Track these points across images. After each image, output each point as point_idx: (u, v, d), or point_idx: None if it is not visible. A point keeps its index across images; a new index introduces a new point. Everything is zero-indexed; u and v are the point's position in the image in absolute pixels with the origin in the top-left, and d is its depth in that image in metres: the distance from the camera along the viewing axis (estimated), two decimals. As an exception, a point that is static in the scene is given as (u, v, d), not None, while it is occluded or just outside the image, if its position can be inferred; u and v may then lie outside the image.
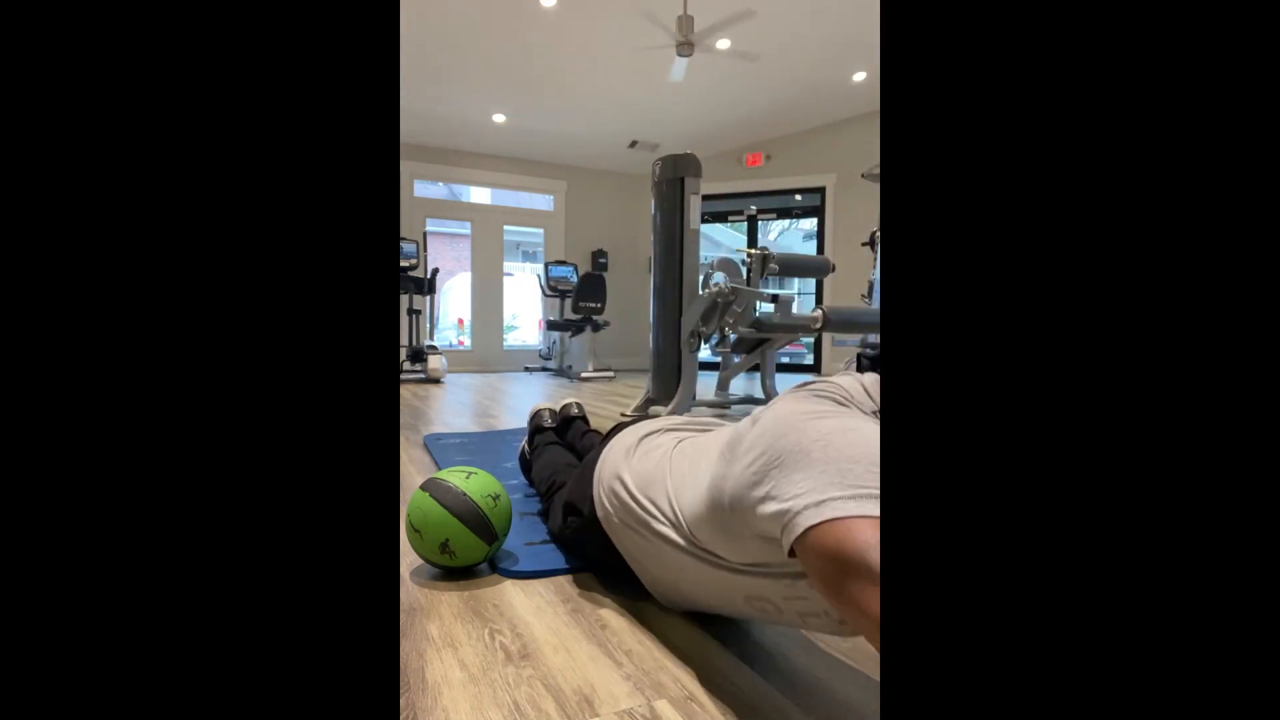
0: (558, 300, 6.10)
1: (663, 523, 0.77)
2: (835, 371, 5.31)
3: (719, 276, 2.80)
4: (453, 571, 1.03)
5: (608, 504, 0.88)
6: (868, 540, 0.48)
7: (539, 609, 0.90)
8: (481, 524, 0.99)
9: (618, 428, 1.02)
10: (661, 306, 2.87)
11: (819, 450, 0.54)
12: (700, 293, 2.80)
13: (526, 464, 1.61)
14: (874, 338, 4.34)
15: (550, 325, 5.98)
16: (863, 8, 3.63)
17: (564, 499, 1.04)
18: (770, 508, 0.56)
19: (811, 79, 4.69)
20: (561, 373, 5.81)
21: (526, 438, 1.66)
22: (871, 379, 0.66)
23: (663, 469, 0.80)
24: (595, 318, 5.68)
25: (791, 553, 0.54)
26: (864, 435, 0.55)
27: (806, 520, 0.52)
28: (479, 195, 6.78)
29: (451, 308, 9.06)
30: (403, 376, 5.04)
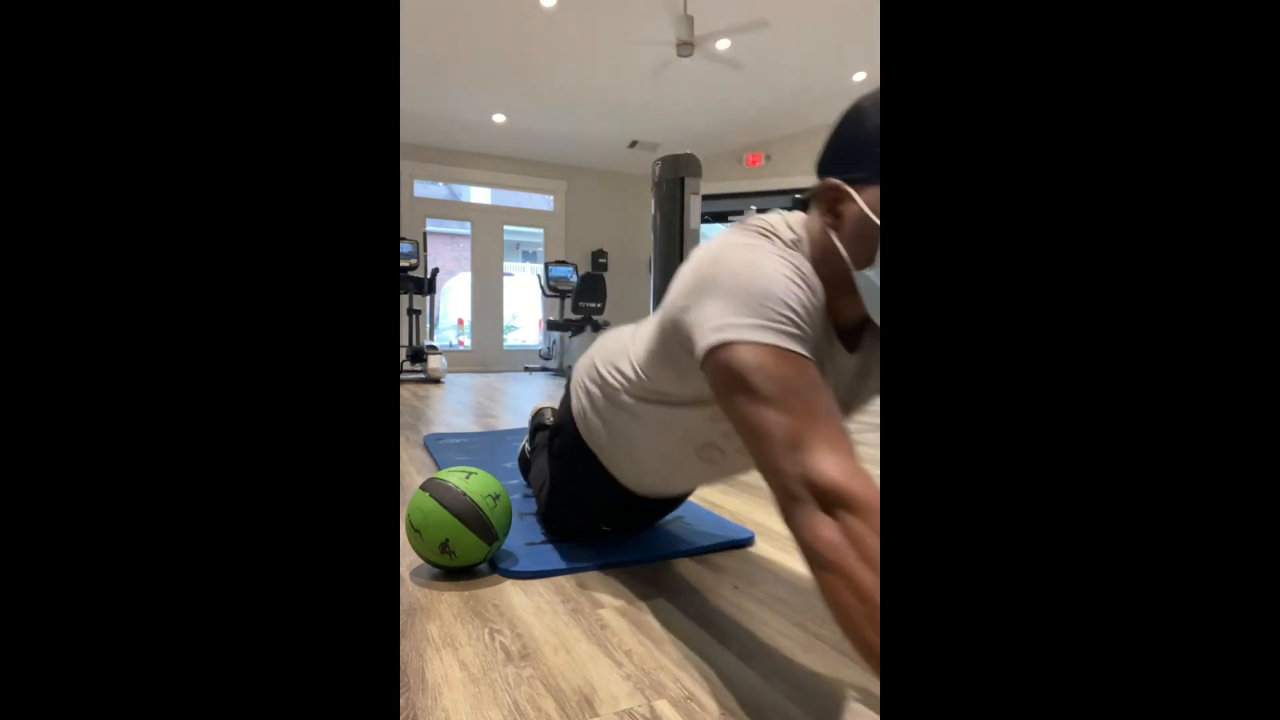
0: (558, 300, 6.10)
1: (624, 385, 0.87)
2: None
3: (719, 276, 2.80)
4: (453, 571, 1.03)
5: (584, 398, 0.98)
6: (751, 362, 0.57)
7: (539, 609, 0.90)
8: (481, 524, 0.99)
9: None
10: (661, 306, 2.86)
11: (729, 279, 0.61)
12: (700, 293, 2.79)
13: (526, 463, 1.61)
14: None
15: (550, 325, 5.98)
16: (863, 8, 3.63)
17: (549, 435, 1.16)
18: (690, 330, 0.64)
19: (811, 79, 4.69)
20: (561, 373, 5.81)
21: (527, 437, 1.65)
22: (798, 216, 0.71)
23: (623, 342, 0.91)
24: (595, 318, 5.68)
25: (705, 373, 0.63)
26: (766, 271, 0.61)
27: (707, 341, 0.60)
28: (479, 195, 6.78)
29: (451, 308, 9.06)
30: (403, 376, 5.04)
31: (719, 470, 0.86)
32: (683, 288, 0.66)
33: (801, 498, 0.52)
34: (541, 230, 6.90)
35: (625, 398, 0.88)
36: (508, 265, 6.83)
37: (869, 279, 0.63)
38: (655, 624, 0.85)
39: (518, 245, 9.57)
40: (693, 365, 0.66)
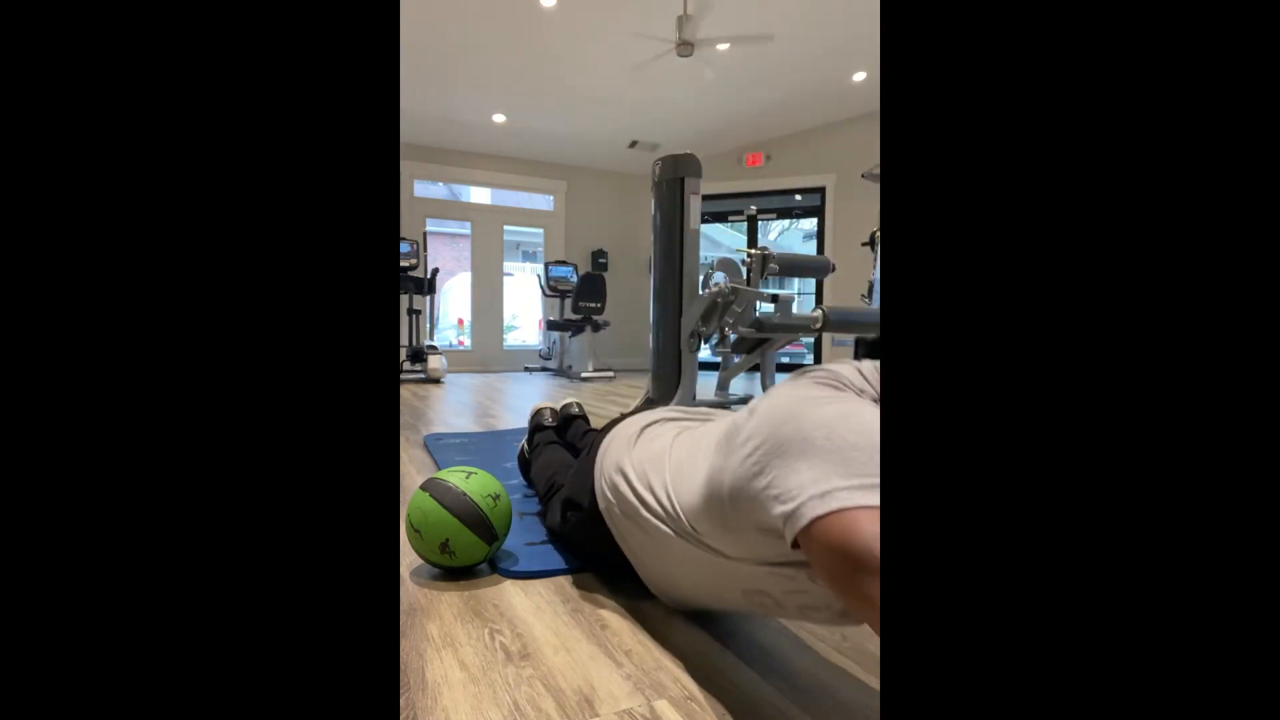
0: (558, 300, 6.10)
1: (659, 515, 0.76)
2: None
3: (719, 276, 2.80)
4: (453, 571, 1.03)
5: (610, 495, 0.87)
6: (874, 531, 0.47)
7: (539, 609, 0.90)
8: (481, 524, 0.99)
9: (618, 420, 1.01)
10: (661, 307, 2.86)
11: (821, 437, 0.53)
12: (700, 293, 2.80)
13: (525, 464, 1.61)
14: (869, 336, 4.34)
15: (550, 325, 5.98)
16: (863, 8, 3.63)
17: (563, 496, 1.03)
18: (772, 499, 0.54)
19: (811, 79, 4.69)
20: (561, 373, 5.81)
21: (526, 437, 1.66)
22: (870, 365, 0.64)
23: (662, 459, 0.79)
24: (595, 318, 5.68)
25: (795, 545, 0.53)
26: (865, 421, 0.53)
27: (811, 511, 0.50)
28: (479, 195, 6.77)
29: (451, 308, 9.06)
30: (403, 376, 5.04)
31: (765, 613, 0.74)
32: (747, 449, 0.58)
33: None
34: (541, 230, 6.90)
35: (662, 527, 0.76)
36: (508, 265, 6.83)
37: None
38: (655, 624, 0.85)
39: (518, 245, 9.57)
40: (756, 533, 0.59)
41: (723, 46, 4.07)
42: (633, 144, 6.10)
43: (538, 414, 1.68)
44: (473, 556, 1.00)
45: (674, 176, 2.79)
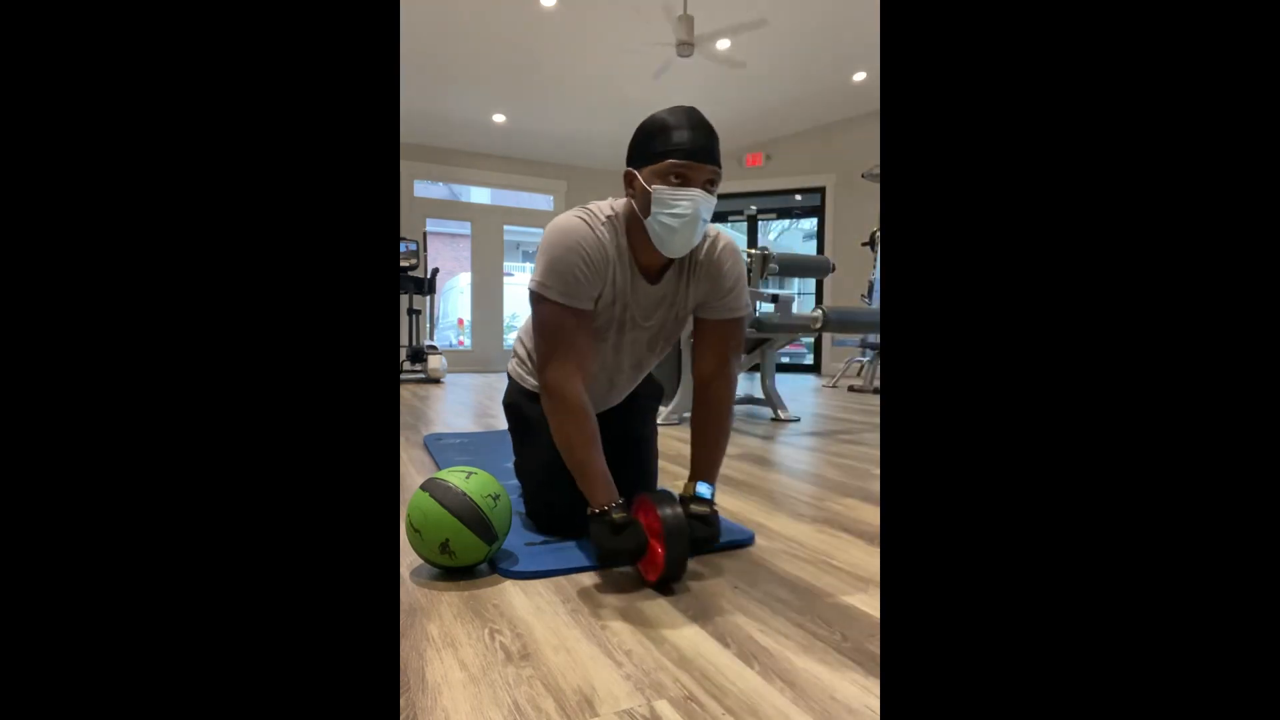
0: (558, 300, 6.08)
1: (524, 349, 1.31)
2: (835, 371, 5.29)
3: (719, 276, 2.79)
4: (453, 571, 1.03)
5: (511, 360, 1.38)
6: (537, 307, 1.04)
7: (539, 609, 0.90)
8: (481, 524, 0.99)
9: None
10: (661, 306, 2.86)
11: (545, 249, 1.04)
12: (700, 293, 2.79)
13: (525, 464, 1.61)
14: (873, 337, 4.34)
15: (550, 325, 5.96)
16: (863, 8, 3.63)
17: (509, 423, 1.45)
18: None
19: (811, 79, 4.69)
20: (561, 373, 5.80)
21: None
22: (622, 200, 1.10)
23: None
24: (595, 318, 5.67)
25: None
26: (563, 244, 1.02)
27: (529, 285, 1.05)
28: (479, 195, 6.77)
29: (451, 308, 9.05)
30: (403, 376, 5.04)
31: (605, 375, 1.20)
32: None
33: (541, 386, 1.04)
34: (541, 230, 6.90)
35: (525, 354, 1.32)
36: (508, 265, 6.83)
37: (649, 224, 1.00)
38: (655, 624, 0.85)
39: (518, 245, 9.57)
40: None
41: (723, 45, 4.07)
42: (633, 144, 6.09)
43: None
44: (473, 556, 1.00)
45: (674, 176, 2.78)
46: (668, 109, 0.99)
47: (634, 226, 1.04)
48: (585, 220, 1.03)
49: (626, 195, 1.05)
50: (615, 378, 1.23)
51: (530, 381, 1.27)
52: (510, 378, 1.36)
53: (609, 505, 0.99)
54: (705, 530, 1.04)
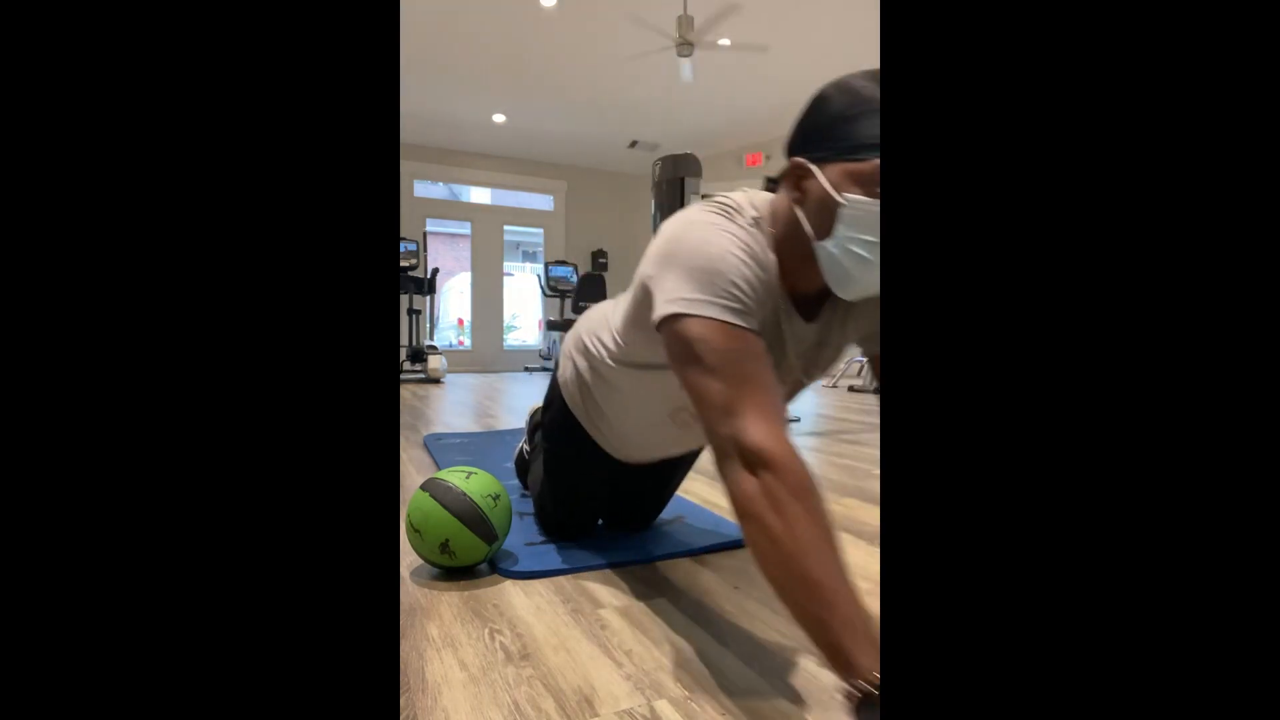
0: (558, 300, 6.10)
1: (606, 353, 0.94)
2: (835, 371, 5.29)
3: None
4: (453, 571, 1.03)
5: (569, 373, 1.05)
6: (697, 334, 0.65)
7: (539, 609, 0.90)
8: (481, 524, 0.99)
9: None
10: (661, 306, 2.85)
11: (687, 256, 0.68)
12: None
13: (524, 464, 1.60)
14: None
15: (550, 325, 5.98)
16: (863, 6, 3.63)
17: (532, 425, 1.25)
18: (654, 300, 0.70)
19: (811, 79, 4.68)
20: (561, 373, 5.80)
21: (525, 437, 1.65)
22: (762, 195, 0.77)
23: (605, 310, 0.99)
24: (595, 318, 5.67)
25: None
26: (720, 248, 0.68)
27: (662, 310, 0.68)
28: (479, 195, 6.77)
29: (451, 308, 9.05)
30: (403, 376, 5.04)
31: (692, 434, 0.97)
32: (651, 257, 0.73)
33: (731, 455, 0.62)
34: (541, 230, 6.90)
35: (607, 364, 0.95)
36: (508, 265, 6.83)
37: (828, 250, 0.67)
38: (655, 624, 0.85)
39: (518, 245, 9.57)
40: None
41: (723, 45, 4.07)
42: (633, 144, 6.10)
43: (536, 414, 1.67)
44: (473, 556, 1.00)
45: (674, 176, 2.79)
46: (866, 74, 0.64)
47: (790, 241, 0.71)
48: (728, 220, 0.71)
49: (788, 197, 0.70)
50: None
51: (593, 413, 1.02)
52: (561, 390, 1.07)
53: (874, 674, 0.50)
54: None
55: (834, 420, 2.98)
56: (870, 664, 0.49)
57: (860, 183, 0.63)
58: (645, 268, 0.75)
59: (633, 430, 1.01)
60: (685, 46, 3.65)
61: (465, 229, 6.62)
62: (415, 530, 0.98)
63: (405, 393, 3.99)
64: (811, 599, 0.54)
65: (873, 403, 3.69)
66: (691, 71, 3.89)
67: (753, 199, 0.75)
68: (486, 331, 6.67)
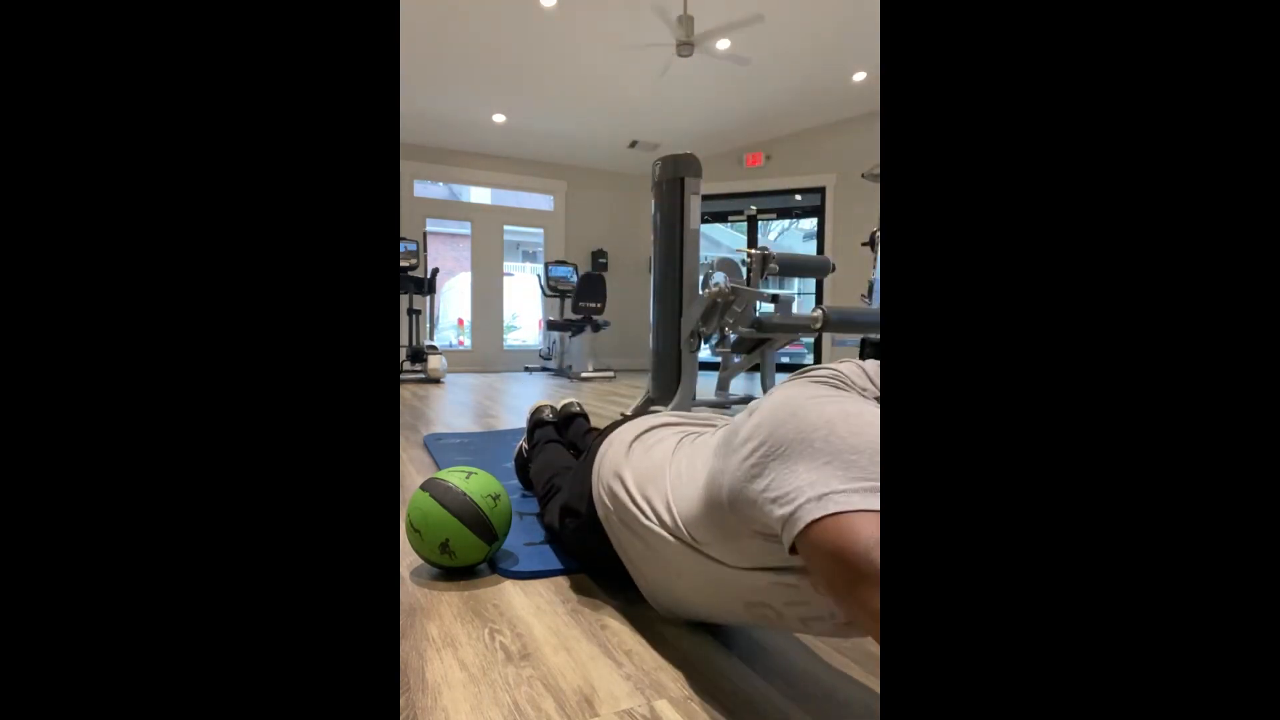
0: (558, 300, 6.10)
1: (658, 525, 0.74)
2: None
3: (719, 276, 2.80)
4: (453, 571, 1.03)
5: (608, 502, 0.85)
6: (873, 536, 0.46)
7: (539, 609, 0.90)
8: (481, 524, 0.99)
9: (616, 423, 1.00)
10: (661, 307, 2.87)
11: (820, 438, 0.51)
12: (700, 293, 2.80)
13: (523, 463, 1.60)
14: (874, 337, 4.34)
15: (550, 325, 5.98)
16: (863, 7, 3.63)
17: (561, 501, 1.02)
18: (770, 501, 0.53)
19: (811, 79, 4.69)
20: (561, 373, 5.82)
21: (525, 436, 1.65)
22: (873, 365, 0.63)
23: (662, 468, 0.77)
24: (595, 318, 5.68)
25: (793, 549, 0.51)
26: (866, 421, 0.51)
27: (808, 515, 0.49)
28: (479, 195, 6.78)
29: (451, 308, 9.06)
30: (403, 376, 5.04)
31: (767, 625, 0.71)
32: (745, 451, 0.57)
33: None
34: (541, 230, 6.90)
35: (662, 535, 0.74)
36: (508, 265, 6.83)
37: None
38: (655, 624, 0.85)
39: (518, 245, 9.58)
40: (755, 539, 0.58)
41: (723, 45, 4.07)
42: (633, 144, 6.10)
43: (537, 410, 1.67)
44: (473, 556, 1.00)
45: (674, 176, 2.79)
46: None
47: None
48: (849, 395, 0.59)
49: None
50: None
51: (625, 541, 0.84)
52: (599, 514, 0.89)
53: None
54: None
55: (834, 420, 2.98)
56: None
57: None
58: (733, 465, 0.58)
59: (689, 602, 0.79)
60: (685, 47, 3.65)
61: (465, 229, 6.62)
62: (415, 530, 0.98)
63: (405, 393, 3.99)
64: None
65: (873, 403, 3.68)
66: (682, 69, 3.88)
67: (864, 367, 0.64)
68: (486, 331, 6.67)
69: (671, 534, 0.72)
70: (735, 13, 3.69)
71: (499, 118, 5.41)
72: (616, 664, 0.75)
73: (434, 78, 4.58)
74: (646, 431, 0.90)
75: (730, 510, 0.60)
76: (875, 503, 0.48)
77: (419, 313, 5.23)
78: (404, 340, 5.73)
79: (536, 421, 1.63)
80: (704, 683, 0.71)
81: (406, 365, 5.00)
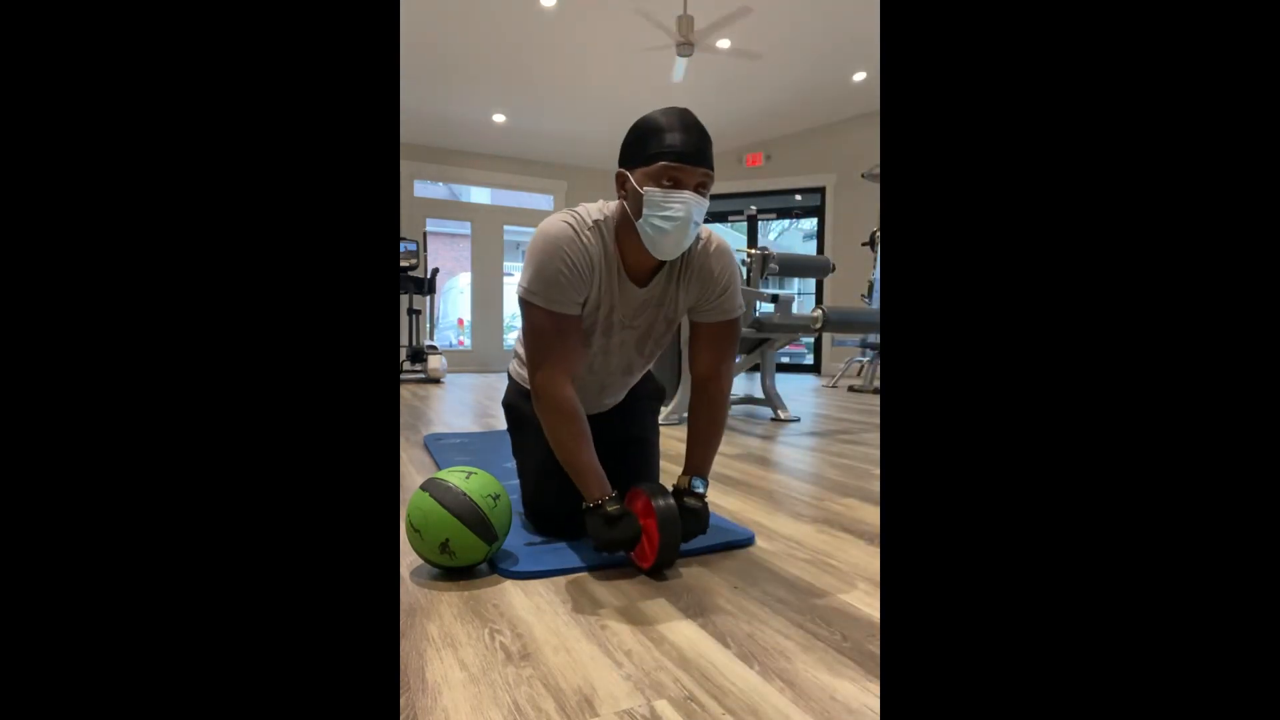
0: (558, 300, 6.08)
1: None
2: (835, 371, 5.29)
3: (719, 276, 2.79)
4: (453, 571, 1.03)
5: (513, 362, 1.38)
6: (526, 312, 1.05)
7: (539, 609, 0.90)
8: (481, 524, 0.99)
9: None
10: (661, 306, 2.85)
11: (531, 255, 1.04)
12: (700, 293, 2.79)
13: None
14: (873, 337, 4.34)
15: (550, 325, 5.96)
16: (863, 8, 3.63)
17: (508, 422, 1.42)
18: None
19: (811, 79, 4.69)
20: (561, 373, 5.80)
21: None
22: (612, 203, 1.11)
23: None
24: (595, 317, 5.67)
25: None
26: (549, 251, 1.02)
27: (518, 291, 1.04)
28: (479, 195, 6.78)
29: (451, 308, 9.05)
30: (403, 376, 5.04)
31: (594, 379, 1.22)
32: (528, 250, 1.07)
33: (532, 390, 1.06)
34: (541, 230, 6.89)
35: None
36: (508, 265, 6.83)
37: (640, 226, 1.00)
38: (655, 624, 0.85)
39: (518, 245, 9.57)
40: None
41: (723, 45, 4.07)
42: (633, 144, 6.09)
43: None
44: (473, 556, 1.00)
45: (674, 176, 2.78)
46: (660, 110, 0.99)
47: (625, 228, 1.05)
48: (571, 224, 1.03)
49: (619, 197, 1.05)
50: (605, 381, 1.24)
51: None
52: (510, 378, 1.38)
53: (602, 498, 1.02)
54: (696, 523, 1.09)
55: (834, 420, 2.98)
56: (596, 493, 1.03)
57: (653, 178, 0.97)
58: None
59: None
60: (685, 47, 3.65)
61: (465, 229, 6.62)
62: (415, 530, 0.98)
63: (405, 393, 3.99)
64: (565, 458, 1.06)
65: (873, 403, 3.69)
66: (683, 71, 3.89)
67: (602, 205, 1.08)
68: (486, 331, 6.67)
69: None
70: (735, 13, 3.69)
71: (499, 118, 5.41)
72: (616, 664, 0.75)
73: (434, 78, 4.58)
74: None
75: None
76: (531, 298, 1.03)
77: (419, 313, 5.23)
78: (404, 340, 5.74)
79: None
80: (704, 683, 0.71)
81: (406, 365, 5.00)
